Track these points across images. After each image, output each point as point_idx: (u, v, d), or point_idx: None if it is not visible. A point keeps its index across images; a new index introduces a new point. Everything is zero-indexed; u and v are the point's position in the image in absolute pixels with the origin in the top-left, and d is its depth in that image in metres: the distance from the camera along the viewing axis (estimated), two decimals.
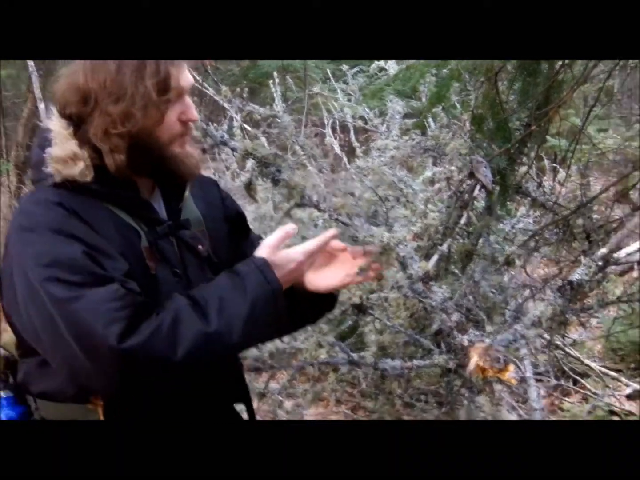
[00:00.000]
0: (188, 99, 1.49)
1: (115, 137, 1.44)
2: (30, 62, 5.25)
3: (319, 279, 1.60)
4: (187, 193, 1.62)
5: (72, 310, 1.33)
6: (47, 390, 1.50)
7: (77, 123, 1.47)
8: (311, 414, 4.08)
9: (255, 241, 1.80)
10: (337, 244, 1.60)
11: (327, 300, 1.70)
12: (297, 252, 1.49)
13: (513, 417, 3.75)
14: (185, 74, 1.48)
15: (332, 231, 1.53)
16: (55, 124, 1.49)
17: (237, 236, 1.76)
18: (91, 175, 1.46)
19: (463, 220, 1.81)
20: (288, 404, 3.99)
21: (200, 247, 1.59)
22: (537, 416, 3.33)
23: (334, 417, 4.14)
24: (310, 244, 1.50)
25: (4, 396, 1.56)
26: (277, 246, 1.48)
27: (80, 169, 1.44)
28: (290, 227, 1.51)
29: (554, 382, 3.98)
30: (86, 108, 1.45)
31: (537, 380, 3.81)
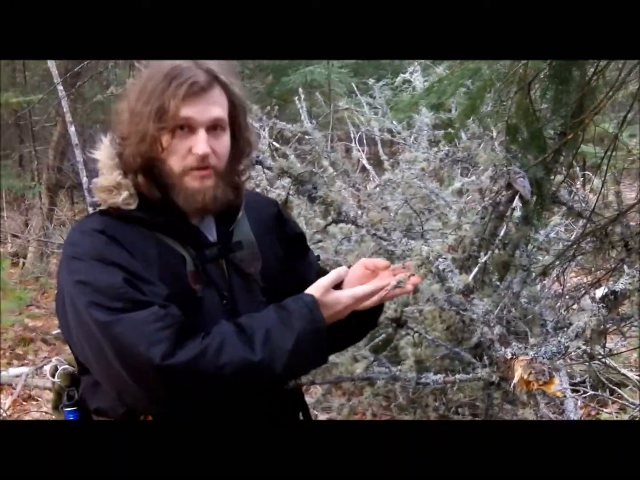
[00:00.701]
0: (202, 134, 1.49)
1: (124, 157, 1.52)
2: (60, 87, 5.30)
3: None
4: (240, 214, 1.64)
5: (115, 333, 1.37)
6: (100, 407, 1.55)
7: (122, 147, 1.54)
8: None
9: (313, 262, 1.84)
10: (381, 262, 1.61)
11: (370, 318, 1.72)
12: (347, 296, 1.51)
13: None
14: (198, 107, 1.48)
15: (385, 280, 1.54)
16: (102, 154, 1.56)
17: (294, 258, 1.77)
18: (135, 203, 1.51)
19: (502, 232, 1.79)
20: (323, 417, 3.99)
21: (249, 270, 1.61)
22: None
23: None
24: (360, 290, 1.52)
25: (69, 410, 1.62)
26: (329, 287, 1.50)
27: (123, 197, 1.50)
28: (343, 269, 1.55)
29: (590, 392, 3.92)
30: (124, 130, 1.53)
31: (574, 391, 3.76)
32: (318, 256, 1.93)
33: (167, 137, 1.48)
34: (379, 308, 1.73)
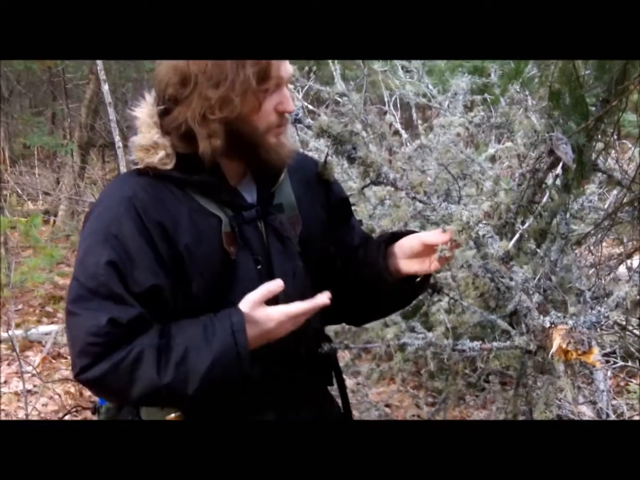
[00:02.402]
0: (286, 90, 1.51)
1: (213, 122, 1.47)
2: None
3: (414, 265, 1.66)
4: (282, 176, 1.63)
5: (69, 323, 1.47)
6: None
7: (169, 107, 1.51)
8: (374, 392, 4.09)
9: (356, 227, 1.84)
10: (442, 236, 1.60)
11: (422, 284, 1.74)
12: (280, 312, 1.47)
13: (579, 398, 3.70)
14: (285, 65, 1.50)
15: (322, 298, 1.51)
16: (142, 111, 1.55)
17: (336, 221, 1.76)
18: (172, 163, 1.51)
19: (545, 199, 1.76)
20: (351, 382, 4.01)
21: (289, 233, 1.59)
22: (603, 397, 3.28)
23: (397, 396, 4.14)
24: (294, 308, 1.49)
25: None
26: (260, 302, 1.47)
27: (159, 157, 1.50)
28: (276, 284, 1.49)
29: (620, 363, 3.90)
30: (184, 90, 1.47)
31: (604, 362, 3.74)
32: (360, 221, 1.92)
33: (262, 97, 1.48)
34: (427, 278, 1.75)
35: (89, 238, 1.49)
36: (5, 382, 5.06)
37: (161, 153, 1.50)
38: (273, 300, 1.52)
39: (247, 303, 1.46)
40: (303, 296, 1.58)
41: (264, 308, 1.47)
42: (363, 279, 1.72)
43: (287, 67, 1.50)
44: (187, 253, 1.48)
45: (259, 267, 1.55)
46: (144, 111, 1.55)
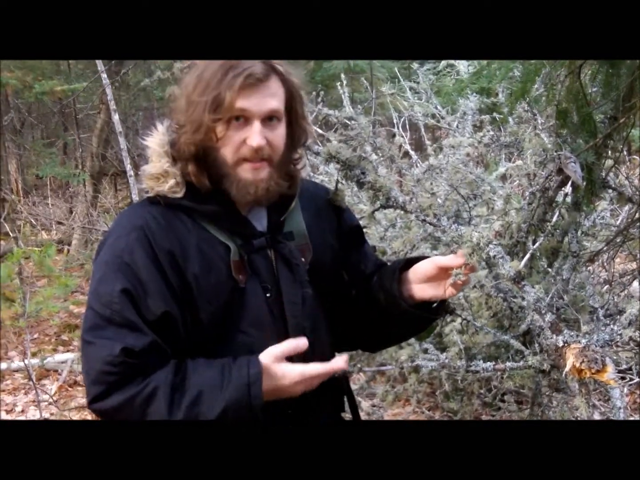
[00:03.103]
0: (256, 125, 1.48)
1: (179, 145, 1.52)
2: (104, 75, 5.35)
3: (429, 290, 1.63)
4: (293, 204, 1.63)
5: (84, 351, 1.48)
6: None
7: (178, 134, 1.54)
8: (390, 414, 4.07)
9: (369, 254, 1.82)
10: (455, 259, 1.58)
11: (437, 309, 1.69)
12: (296, 371, 1.45)
13: (596, 416, 3.67)
14: (254, 99, 1.47)
15: (339, 362, 1.49)
16: (153, 141, 1.57)
17: (349, 249, 1.76)
18: (182, 192, 1.53)
19: (555, 218, 1.76)
20: (366, 404, 3.99)
21: (298, 261, 1.59)
22: (620, 414, 3.25)
23: (413, 417, 4.12)
24: (311, 370, 1.46)
25: None
26: (282, 357, 1.45)
27: (170, 185, 1.52)
28: (302, 342, 1.48)
29: (637, 379, 3.87)
30: (181, 118, 1.53)
31: (620, 378, 3.71)
32: (374, 247, 1.92)
33: (222, 128, 1.48)
34: (442, 303, 1.70)
35: (102, 267, 1.50)
36: (22, 411, 5.07)
37: (171, 182, 1.52)
38: (282, 326, 1.53)
39: (268, 356, 1.44)
40: (314, 324, 1.59)
41: (284, 364, 1.45)
42: (378, 305, 1.70)
43: (256, 102, 1.48)
44: (195, 282, 1.48)
45: (268, 295, 1.55)
46: (155, 140, 1.56)
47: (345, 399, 1.77)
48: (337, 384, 1.70)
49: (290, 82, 1.53)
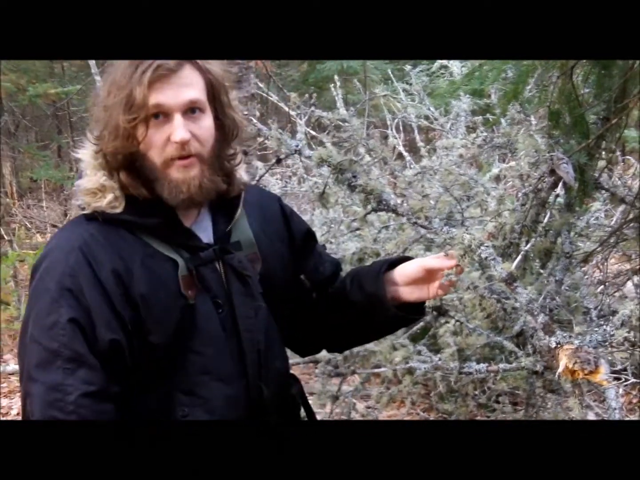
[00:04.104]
0: (177, 119, 1.39)
1: (105, 156, 1.43)
2: (97, 77, 5.34)
3: (415, 292, 1.62)
4: (238, 213, 1.55)
5: (28, 389, 1.39)
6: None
7: None
8: (385, 416, 4.06)
9: (323, 254, 1.78)
10: (445, 261, 1.58)
11: (421, 311, 1.70)
12: None
13: (591, 416, 3.67)
14: (168, 92, 1.38)
15: None
16: (85, 153, 1.47)
17: (303, 254, 1.70)
18: (122, 206, 1.43)
19: (546, 219, 1.76)
20: (361, 406, 3.99)
21: (248, 272, 1.52)
22: (616, 415, 3.25)
23: (407, 419, 4.12)
24: None
25: None
26: None
27: (108, 200, 1.42)
28: None
29: (632, 380, 3.87)
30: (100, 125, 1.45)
31: (615, 379, 3.71)
32: (324, 245, 1.90)
33: (141, 129, 1.39)
34: (422, 304, 1.70)
35: (41, 296, 1.40)
36: (18, 413, 5.06)
37: (109, 196, 1.42)
38: (236, 342, 1.48)
39: None
40: (267, 337, 1.53)
41: None
42: (354, 307, 1.67)
43: (171, 95, 1.38)
44: (142, 302, 1.39)
45: (220, 310, 1.48)
46: (89, 152, 1.47)
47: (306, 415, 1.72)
48: (293, 401, 1.66)
49: (207, 70, 1.44)
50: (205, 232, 1.51)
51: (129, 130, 1.38)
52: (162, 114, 1.39)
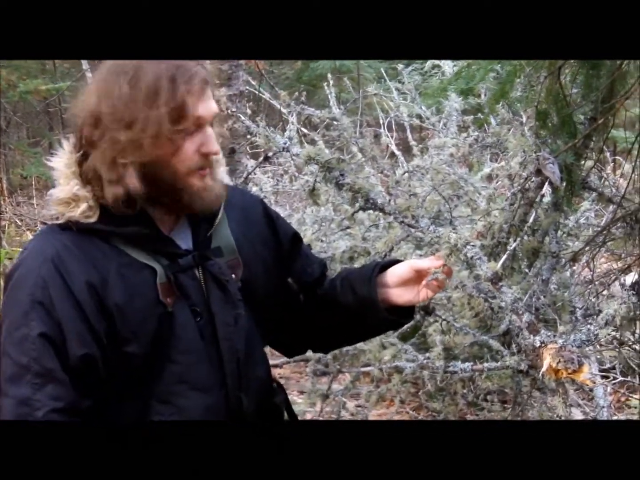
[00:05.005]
0: (210, 130, 1.41)
1: (121, 166, 1.37)
2: (89, 74, 5.34)
3: (405, 294, 1.62)
4: (219, 217, 1.54)
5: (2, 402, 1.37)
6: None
7: (87, 152, 1.40)
8: (374, 414, 4.07)
9: (310, 255, 1.77)
10: (433, 262, 1.59)
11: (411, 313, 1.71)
12: None
13: (579, 415, 3.69)
14: (207, 103, 1.39)
15: None
16: (58, 161, 1.44)
17: (290, 257, 1.69)
18: (96, 215, 1.40)
19: (531, 218, 1.77)
20: (351, 404, 4.00)
21: (229, 279, 1.50)
22: (604, 413, 3.27)
23: (397, 418, 4.13)
24: None
25: None
26: None
27: (81, 210, 1.40)
28: None
29: (620, 378, 3.89)
30: (96, 132, 1.38)
31: (603, 377, 3.73)
32: (309, 245, 1.90)
33: (180, 140, 1.38)
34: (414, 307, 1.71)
35: (13, 308, 1.38)
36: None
37: (83, 206, 1.39)
38: (214, 350, 1.47)
39: None
40: (247, 343, 1.52)
41: None
42: (345, 309, 1.67)
43: (209, 106, 1.39)
44: (118, 312, 1.38)
45: (198, 319, 1.46)
46: (62, 160, 1.44)
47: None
48: (277, 410, 1.66)
49: (213, 82, 1.45)
50: (183, 240, 1.50)
51: (172, 140, 1.37)
52: (197, 125, 1.39)
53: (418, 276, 1.60)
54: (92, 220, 1.40)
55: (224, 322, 1.48)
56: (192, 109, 1.36)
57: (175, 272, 1.44)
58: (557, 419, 1.97)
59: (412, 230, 1.83)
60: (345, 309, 1.67)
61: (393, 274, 1.63)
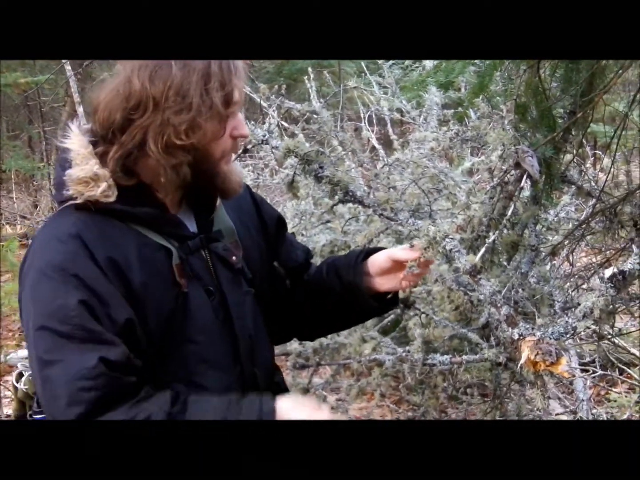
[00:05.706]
0: (240, 115, 1.45)
1: (179, 149, 1.39)
2: (68, 67, 5.29)
3: (387, 282, 1.65)
4: (218, 203, 1.57)
5: (46, 375, 1.32)
6: None
7: (111, 137, 1.41)
8: (355, 408, 4.08)
9: (293, 241, 1.82)
10: (411, 253, 1.60)
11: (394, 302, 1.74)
12: (312, 405, 1.41)
13: (559, 408, 3.72)
14: (242, 89, 1.44)
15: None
16: (73, 142, 1.45)
17: (276, 241, 1.73)
18: (114, 195, 1.41)
19: (510, 212, 1.78)
20: (332, 398, 4.00)
21: (233, 258, 1.55)
22: (584, 407, 3.30)
23: (378, 411, 4.14)
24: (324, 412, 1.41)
25: (40, 416, 1.53)
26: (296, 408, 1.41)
27: (102, 189, 1.40)
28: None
29: (600, 372, 3.92)
30: (139, 116, 1.38)
31: (583, 371, 3.76)
32: (293, 233, 1.93)
33: (225, 123, 1.43)
34: (394, 296, 1.74)
35: (42, 283, 1.36)
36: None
37: (103, 185, 1.39)
38: (228, 329, 1.50)
39: (286, 407, 1.38)
40: (255, 322, 1.57)
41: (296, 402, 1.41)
42: (331, 295, 1.70)
43: (242, 92, 1.44)
44: (143, 290, 1.39)
45: (211, 298, 1.49)
46: (77, 142, 1.44)
47: None
48: (277, 388, 1.67)
49: None
50: (189, 222, 1.54)
51: (223, 124, 1.42)
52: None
53: (397, 265, 1.62)
54: (111, 199, 1.41)
55: (235, 302, 1.52)
56: (238, 93, 1.41)
57: (186, 253, 1.48)
58: (538, 419, 1.99)
59: (392, 223, 1.83)
60: (331, 295, 1.70)
61: (373, 263, 1.66)
